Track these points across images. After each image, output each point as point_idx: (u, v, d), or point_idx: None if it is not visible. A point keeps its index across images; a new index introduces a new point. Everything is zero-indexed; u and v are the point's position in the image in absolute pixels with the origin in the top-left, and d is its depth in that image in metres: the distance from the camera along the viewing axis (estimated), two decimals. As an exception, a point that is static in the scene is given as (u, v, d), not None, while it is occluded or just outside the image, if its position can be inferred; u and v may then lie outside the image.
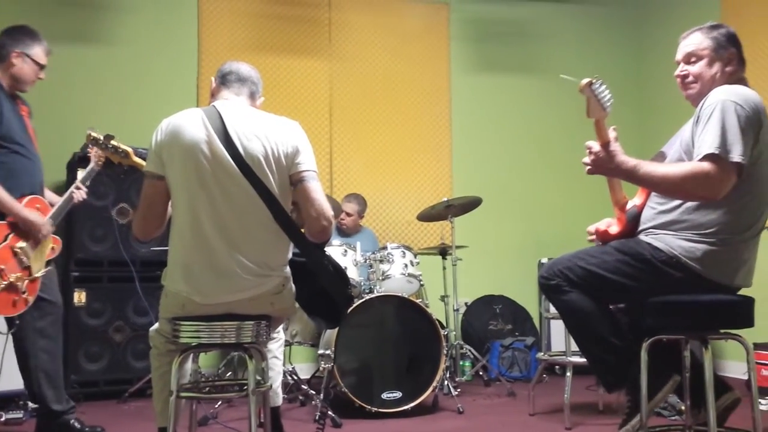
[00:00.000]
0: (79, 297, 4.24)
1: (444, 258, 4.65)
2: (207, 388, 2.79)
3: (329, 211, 2.27)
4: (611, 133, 2.32)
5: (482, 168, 5.80)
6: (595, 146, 2.32)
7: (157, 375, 2.38)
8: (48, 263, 3.11)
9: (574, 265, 2.41)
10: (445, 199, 4.42)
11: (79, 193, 3.27)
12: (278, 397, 2.77)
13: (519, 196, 5.85)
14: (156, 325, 2.41)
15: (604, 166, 2.32)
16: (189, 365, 2.45)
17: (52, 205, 3.16)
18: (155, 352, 2.40)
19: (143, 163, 2.49)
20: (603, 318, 2.41)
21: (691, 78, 2.43)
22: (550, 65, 5.95)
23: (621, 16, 6.19)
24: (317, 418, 3.31)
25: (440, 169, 5.72)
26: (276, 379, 2.72)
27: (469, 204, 4.49)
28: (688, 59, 2.44)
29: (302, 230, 2.33)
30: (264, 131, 2.26)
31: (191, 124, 2.24)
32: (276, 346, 2.74)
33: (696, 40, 2.43)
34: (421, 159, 5.69)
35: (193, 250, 2.22)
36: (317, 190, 2.28)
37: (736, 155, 2.16)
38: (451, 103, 5.79)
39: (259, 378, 2.29)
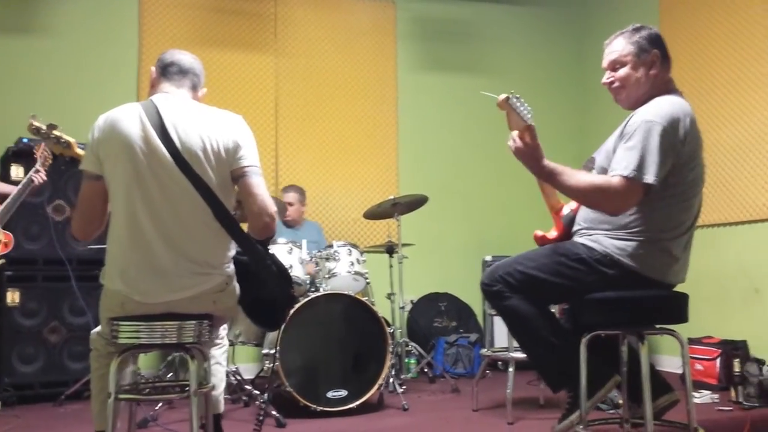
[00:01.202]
0: (13, 297, 4.09)
1: (390, 256, 4.67)
2: (147, 390, 2.71)
3: (272, 207, 2.22)
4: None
5: (428, 166, 5.83)
6: (515, 137, 2.36)
7: (96, 376, 2.32)
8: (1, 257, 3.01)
9: (513, 269, 2.46)
10: (392, 197, 4.43)
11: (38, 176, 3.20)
12: (220, 405, 2.71)
13: (463, 194, 5.91)
14: (98, 328, 2.34)
15: (526, 158, 2.36)
16: (129, 366, 2.39)
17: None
18: (95, 354, 2.33)
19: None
20: (544, 320, 2.47)
21: (617, 84, 2.51)
22: (495, 65, 6.04)
23: (563, 17, 6.32)
24: (258, 418, 3.28)
25: (386, 167, 5.73)
26: (219, 387, 2.66)
27: (415, 202, 4.51)
28: (613, 66, 2.52)
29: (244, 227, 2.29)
30: (203, 125, 2.21)
31: (128, 119, 2.18)
32: (219, 353, 2.69)
33: (618, 47, 2.51)
34: (367, 157, 5.68)
35: (130, 248, 2.16)
36: (260, 185, 2.23)
37: (650, 177, 2.24)
38: (398, 101, 5.81)
39: (201, 379, 2.24)
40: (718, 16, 4.58)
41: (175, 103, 2.26)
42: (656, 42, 2.49)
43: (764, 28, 4.22)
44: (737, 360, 3.76)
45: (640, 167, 2.25)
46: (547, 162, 2.36)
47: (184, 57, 2.39)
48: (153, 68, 2.40)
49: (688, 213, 2.42)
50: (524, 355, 3.23)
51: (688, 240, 2.46)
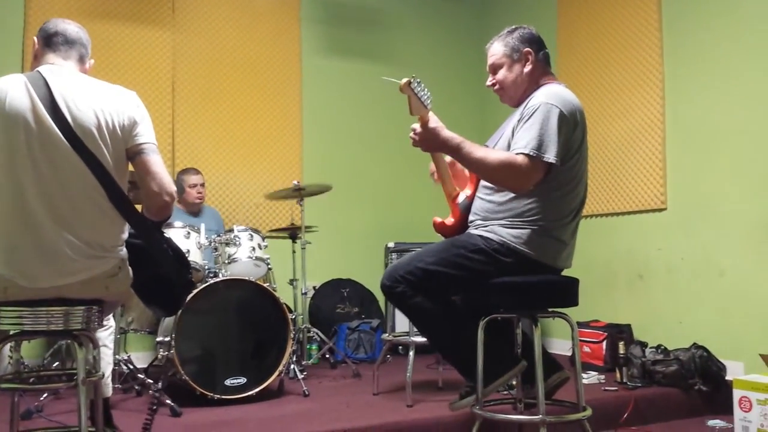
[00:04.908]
0: None
1: (294, 241, 4.61)
2: (31, 379, 2.57)
3: (171, 186, 2.15)
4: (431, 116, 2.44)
5: (332, 150, 5.80)
6: (418, 127, 2.44)
7: (-31, 367, 2.16)
8: None
9: (413, 268, 2.48)
10: (295, 182, 4.36)
11: None
12: (108, 389, 2.62)
13: (367, 180, 5.92)
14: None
15: (431, 141, 2.43)
16: (5, 353, 2.24)
17: None
18: (-35, 342, 2.17)
19: None
20: (449, 315, 2.53)
21: (498, 86, 2.64)
22: (399, 52, 6.07)
23: (466, 8, 6.43)
24: (150, 407, 3.16)
25: (290, 150, 5.65)
26: (106, 370, 2.56)
27: (319, 188, 4.46)
28: (493, 69, 2.64)
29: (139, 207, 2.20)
30: (97, 100, 2.10)
31: (12, 90, 2.03)
32: (105, 335, 2.58)
33: (494, 50, 2.64)
34: (270, 139, 5.57)
35: (16, 229, 2.02)
36: (158, 163, 2.16)
37: (550, 156, 2.35)
38: (302, 85, 5.73)
39: (89, 368, 2.14)
40: (612, 17, 4.79)
41: (65, 76, 2.13)
42: (529, 40, 2.61)
43: (655, 30, 4.45)
44: (622, 343, 3.96)
45: (540, 147, 2.34)
46: (451, 136, 2.40)
47: (70, 26, 2.27)
48: (35, 38, 2.26)
49: (576, 200, 2.55)
50: (423, 339, 3.30)
51: (575, 226, 2.59)
